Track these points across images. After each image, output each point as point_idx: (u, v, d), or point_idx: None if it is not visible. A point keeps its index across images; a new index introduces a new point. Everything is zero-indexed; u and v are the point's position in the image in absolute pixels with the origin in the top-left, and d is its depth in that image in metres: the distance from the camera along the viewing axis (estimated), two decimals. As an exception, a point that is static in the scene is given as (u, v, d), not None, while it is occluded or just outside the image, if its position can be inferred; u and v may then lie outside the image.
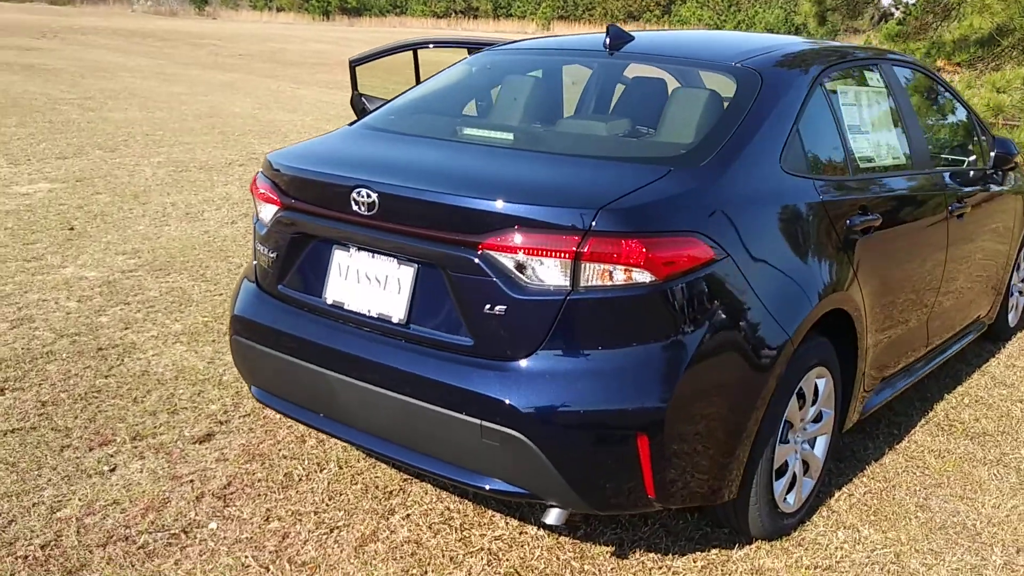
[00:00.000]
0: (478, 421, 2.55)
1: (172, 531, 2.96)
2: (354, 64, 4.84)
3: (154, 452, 3.45)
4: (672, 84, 3.49)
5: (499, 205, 2.54)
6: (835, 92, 3.46)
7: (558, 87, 3.64)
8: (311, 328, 2.91)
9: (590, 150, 3.04)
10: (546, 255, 2.48)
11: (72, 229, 6.63)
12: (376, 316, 2.77)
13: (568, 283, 2.49)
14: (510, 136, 3.14)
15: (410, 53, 4.74)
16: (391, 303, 2.74)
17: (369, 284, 2.80)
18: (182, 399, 3.90)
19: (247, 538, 2.95)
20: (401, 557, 2.89)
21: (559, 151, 3.01)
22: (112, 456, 3.40)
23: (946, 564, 3.03)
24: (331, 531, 3.01)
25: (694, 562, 2.96)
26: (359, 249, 2.82)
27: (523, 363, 2.53)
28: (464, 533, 3.04)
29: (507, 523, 3.12)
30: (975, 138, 4.55)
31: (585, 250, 2.46)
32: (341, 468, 3.40)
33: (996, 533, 3.24)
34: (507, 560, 2.91)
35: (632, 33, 3.61)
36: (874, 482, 3.56)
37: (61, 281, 5.40)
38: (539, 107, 3.51)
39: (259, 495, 3.20)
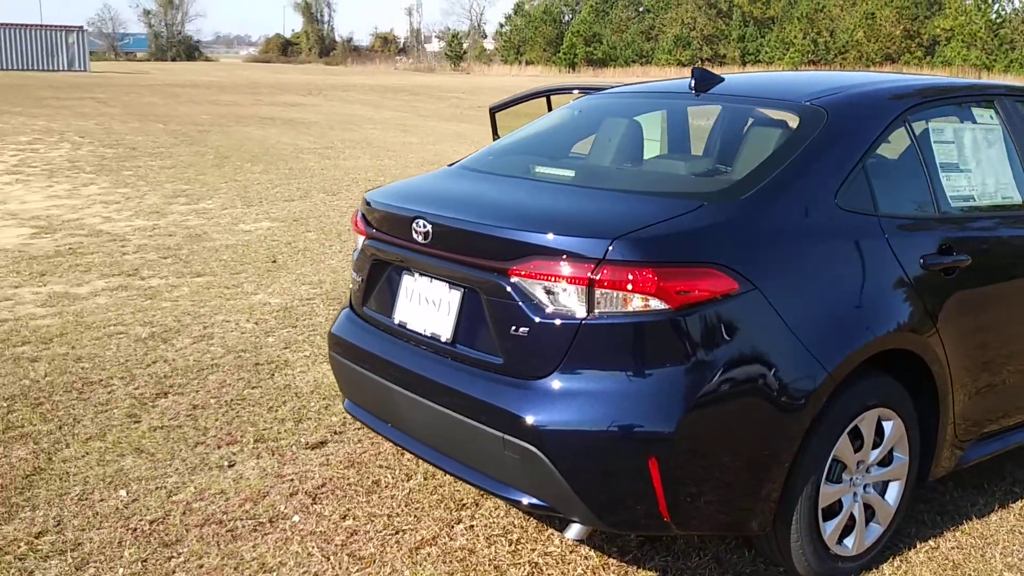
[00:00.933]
0: (501, 434, 2.73)
1: (260, 520, 3.33)
2: (494, 111, 5.17)
3: (270, 453, 3.87)
4: (745, 123, 3.54)
5: (525, 235, 2.74)
6: (926, 129, 3.38)
7: (637, 128, 3.77)
8: (383, 346, 3.22)
9: (640, 186, 3.17)
10: (564, 281, 2.65)
11: (275, 262, 7.40)
12: (430, 335, 3.04)
13: (584, 309, 2.64)
14: (572, 173, 3.33)
15: (544, 99, 5.00)
16: (441, 323, 2.99)
17: (426, 306, 3.06)
18: (311, 410, 4.32)
19: (320, 531, 3.27)
20: (450, 562, 3.11)
21: (610, 187, 3.17)
22: (235, 454, 3.85)
23: (1012, 625, 2.86)
24: (396, 533, 3.28)
25: (733, 594, 2.97)
26: (420, 274, 3.10)
27: (542, 382, 2.70)
28: (517, 547, 3.21)
29: (561, 541, 3.26)
30: None
31: (599, 277, 2.61)
32: (426, 480, 3.67)
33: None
34: (548, 574, 3.05)
35: (721, 75, 3.70)
36: (968, 538, 3.38)
37: (247, 306, 6.07)
38: (616, 147, 3.66)
39: (345, 496, 3.52)
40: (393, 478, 3.69)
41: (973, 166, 3.49)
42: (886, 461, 3.15)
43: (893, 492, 3.20)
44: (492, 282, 2.79)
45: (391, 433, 3.25)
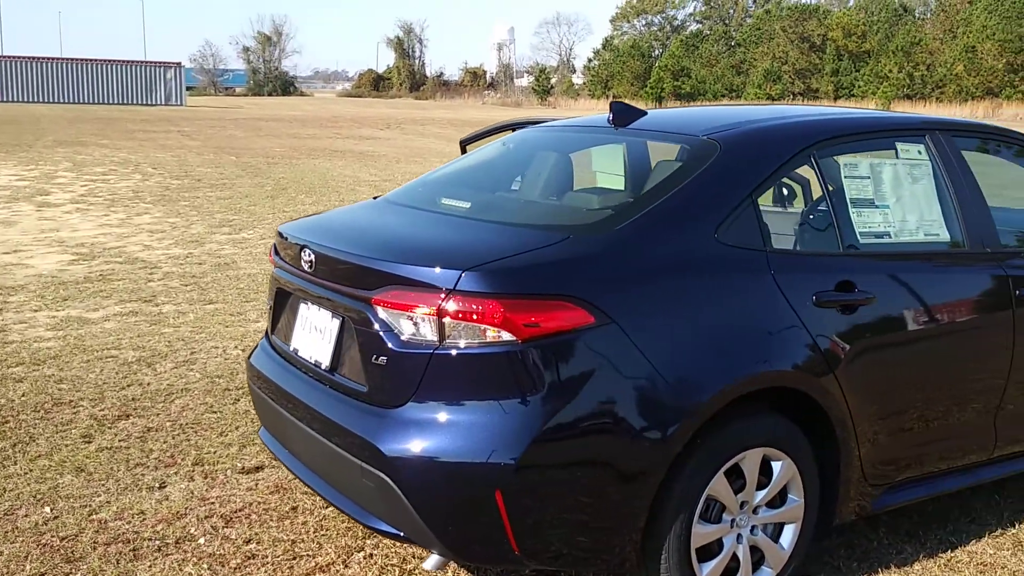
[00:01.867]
0: (360, 463, 2.77)
1: (167, 540, 3.42)
2: (464, 143, 5.22)
3: (203, 476, 3.96)
4: (654, 157, 3.51)
5: (386, 264, 2.78)
6: (837, 165, 3.31)
7: (547, 161, 3.77)
8: (282, 373, 3.28)
9: (523, 218, 3.18)
10: (417, 311, 2.68)
11: (288, 290, 7.56)
12: (314, 362, 3.09)
13: (436, 338, 2.66)
14: (467, 205, 3.36)
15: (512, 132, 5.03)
16: (323, 351, 3.05)
17: (313, 333, 3.12)
18: (259, 437, 4.41)
19: (219, 554, 3.33)
20: (334, 588, 3.14)
21: (496, 219, 3.18)
22: (168, 476, 3.95)
23: None
24: (293, 558, 3.32)
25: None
26: (311, 303, 3.16)
27: (398, 411, 2.72)
28: (407, 576, 3.22)
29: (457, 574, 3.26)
30: None
31: (448, 308, 2.63)
32: (342, 507, 3.70)
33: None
34: (426, 605, 3.05)
35: (643, 109, 3.69)
36: (879, 586, 3.26)
37: (242, 333, 6.23)
38: (535, 179, 3.67)
39: (259, 521, 3.58)
40: (312, 504, 3.74)
41: (892, 202, 3.40)
42: (776, 503, 3.07)
43: (788, 535, 3.11)
44: (359, 310, 2.84)
45: (287, 460, 3.30)
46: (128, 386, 5.07)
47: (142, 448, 4.24)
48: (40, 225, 10.77)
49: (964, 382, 3.45)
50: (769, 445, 2.97)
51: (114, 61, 51.35)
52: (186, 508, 3.67)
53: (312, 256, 3.06)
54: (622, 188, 3.59)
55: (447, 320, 2.64)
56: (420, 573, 3.25)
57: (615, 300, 2.71)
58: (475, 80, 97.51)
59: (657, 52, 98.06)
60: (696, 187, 3.00)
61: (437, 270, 2.68)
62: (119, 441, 4.31)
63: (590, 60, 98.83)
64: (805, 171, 3.25)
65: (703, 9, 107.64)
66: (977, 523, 3.76)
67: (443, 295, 2.64)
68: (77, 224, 10.93)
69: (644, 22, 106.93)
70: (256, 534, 3.49)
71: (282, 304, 3.40)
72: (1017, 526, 3.73)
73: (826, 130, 3.35)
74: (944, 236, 3.48)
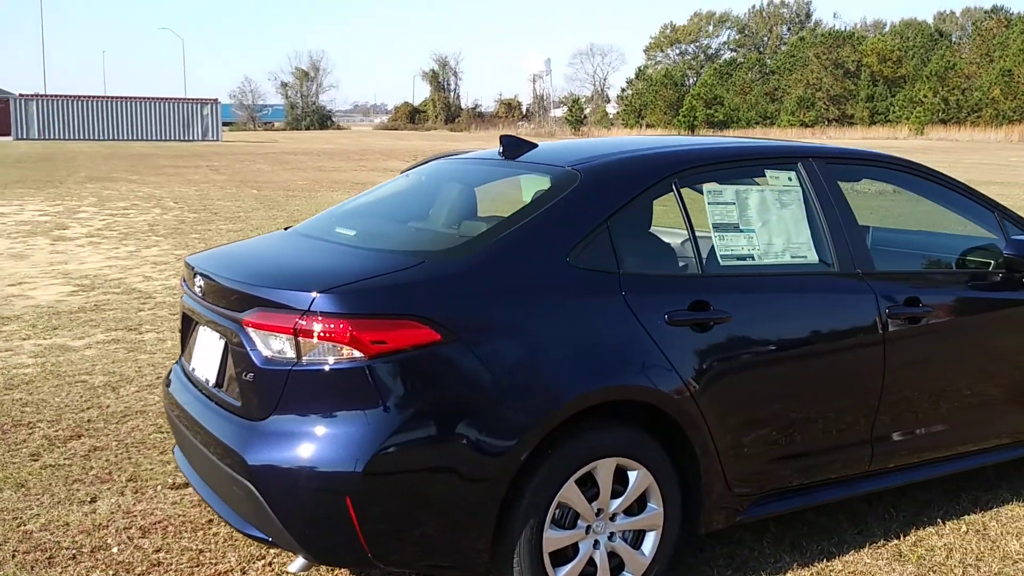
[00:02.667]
0: (231, 472, 3.00)
1: (82, 550, 3.67)
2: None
3: (133, 492, 4.22)
4: (529, 187, 3.72)
5: (254, 288, 3.03)
6: (700, 191, 3.51)
7: (451, 191, 3.99)
8: (185, 393, 3.53)
9: (395, 244, 3.41)
10: (276, 331, 2.91)
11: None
12: (204, 379, 3.34)
13: (294, 355, 2.89)
14: (353, 233, 3.60)
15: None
16: (211, 369, 3.30)
17: (205, 352, 3.37)
18: (197, 454, 4.66)
19: (127, 562, 3.57)
20: (225, 592, 3.36)
21: (371, 246, 3.41)
22: (101, 491, 4.21)
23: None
24: (196, 567, 3.55)
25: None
26: (204, 325, 3.41)
27: (262, 423, 2.96)
28: (297, 582, 3.43)
29: (341, 579, 3.47)
30: (959, 240, 4.24)
31: (303, 327, 2.86)
32: (254, 519, 3.93)
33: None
34: (306, 607, 3.26)
35: (534, 143, 3.92)
36: (746, 593, 3.41)
37: (211, 358, 6.50)
38: (413, 209, 3.90)
39: (174, 532, 3.82)
40: (227, 516, 3.96)
41: (758, 226, 3.58)
42: (635, 510, 3.24)
43: (650, 542, 3.28)
44: (233, 331, 3.08)
45: (188, 474, 3.54)
46: (87, 408, 5.36)
47: (84, 465, 4.50)
48: (50, 258, 11.20)
49: (832, 399, 3.61)
50: (622, 455, 3.16)
51: (152, 98, 52.74)
52: (109, 520, 3.92)
53: (202, 282, 3.32)
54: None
55: (302, 339, 2.87)
56: (312, 579, 3.46)
57: (462, 319, 2.92)
58: (510, 111, 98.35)
59: (691, 81, 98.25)
60: (551, 214, 3.22)
61: (294, 293, 2.92)
62: (64, 459, 4.58)
63: (623, 90, 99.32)
64: (664, 198, 3.44)
65: (737, 37, 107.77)
66: (863, 534, 3.90)
67: (299, 316, 2.87)
68: (86, 257, 11.35)
69: (678, 51, 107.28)
70: (167, 544, 3.73)
71: (187, 328, 3.66)
72: (902, 538, 3.86)
73: (689, 159, 3.56)
74: (812, 258, 3.65)
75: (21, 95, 51.57)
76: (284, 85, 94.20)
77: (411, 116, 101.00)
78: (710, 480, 3.34)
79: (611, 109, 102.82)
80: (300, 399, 2.90)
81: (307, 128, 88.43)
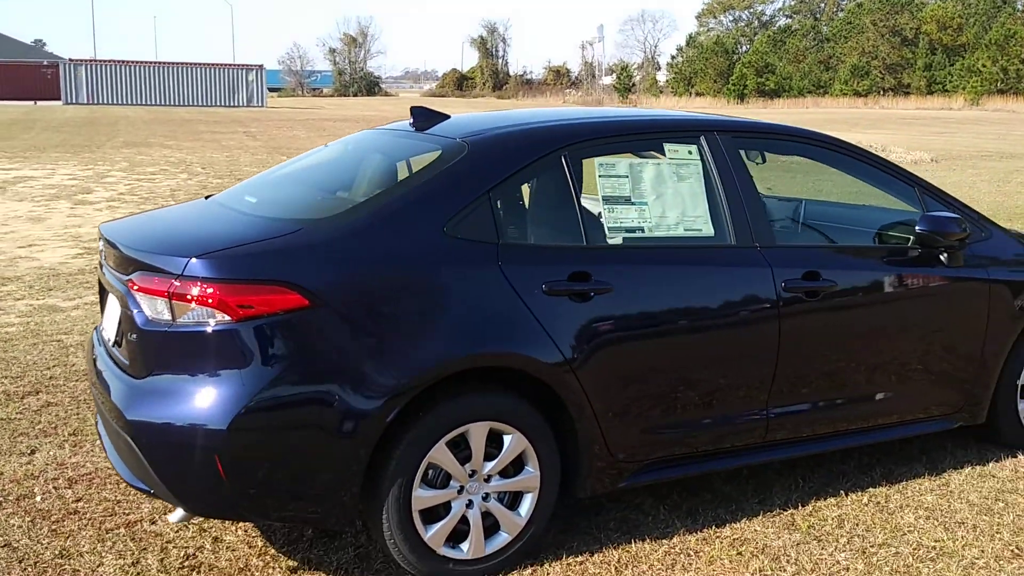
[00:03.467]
0: (116, 426, 3.17)
1: (8, 497, 3.88)
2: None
3: (72, 445, 4.43)
4: (406, 157, 3.79)
5: (138, 253, 3.18)
6: (591, 164, 3.57)
7: (350, 160, 4.08)
8: (96, 354, 3.70)
9: (283, 212, 3.52)
10: (154, 294, 3.06)
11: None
12: (107, 339, 3.51)
13: (169, 317, 3.04)
14: (255, 201, 3.72)
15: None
16: (112, 330, 3.46)
17: (110, 315, 3.54)
18: (143, 411, 4.86)
19: (47, 510, 3.77)
20: (137, 539, 3.54)
21: (263, 213, 3.52)
22: (42, 444, 4.43)
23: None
24: (109, 515, 3.74)
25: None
26: (109, 289, 3.57)
27: (142, 382, 3.12)
28: (200, 534, 3.61)
29: (313, 547, 3.63)
30: (892, 214, 4.24)
31: (176, 291, 3.00)
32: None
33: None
34: (204, 560, 3.44)
35: (448, 114, 4.00)
36: (624, 554, 3.50)
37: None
38: (320, 179, 4.00)
39: (100, 484, 4.02)
40: (153, 470, 4.15)
41: (651, 200, 3.64)
42: (511, 473, 3.35)
43: (527, 504, 3.39)
44: (123, 294, 3.24)
45: (101, 431, 3.72)
46: (53, 366, 5.60)
47: (33, 420, 4.73)
48: (66, 222, 11.53)
49: (721, 370, 3.66)
50: (496, 420, 3.26)
51: (197, 64, 53.39)
52: (41, 471, 4.13)
53: (105, 247, 3.47)
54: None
55: (176, 302, 3.01)
56: (220, 529, 3.63)
57: (331, 285, 3.04)
58: (558, 78, 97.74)
59: (743, 48, 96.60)
60: (432, 185, 3.32)
61: (171, 258, 3.07)
62: (16, 413, 4.81)
63: (673, 57, 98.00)
64: (553, 171, 3.50)
65: (792, 3, 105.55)
66: (764, 503, 3.97)
67: (174, 279, 3.01)
68: (100, 219, 11.66)
69: (731, 17, 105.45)
70: (89, 495, 3.92)
71: (102, 293, 3.83)
72: (800, 507, 3.92)
73: (580, 133, 3.62)
74: (707, 231, 3.70)
75: (71, 60, 52.50)
76: (332, 51, 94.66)
77: (459, 83, 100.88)
78: (589, 447, 3.44)
79: (661, 77, 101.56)
80: (174, 359, 3.05)
81: (355, 94, 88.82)
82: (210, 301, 2.97)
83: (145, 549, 3.49)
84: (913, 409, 4.21)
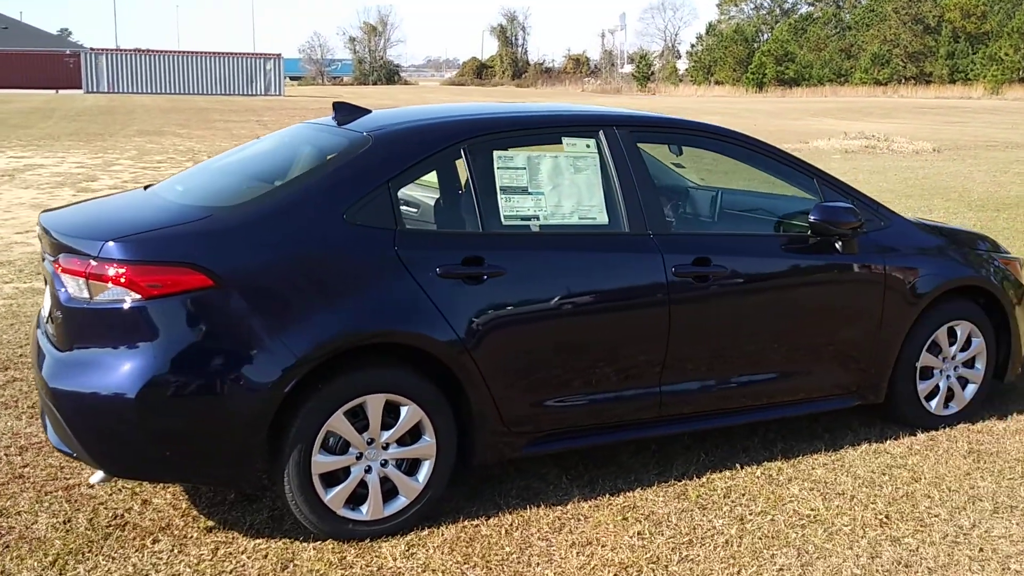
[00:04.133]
0: (44, 396, 3.49)
1: (-38, 462, 4.22)
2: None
3: (29, 417, 4.75)
4: (320, 147, 4.04)
5: (64, 237, 3.49)
6: (490, 157, 3.83)
7: (279, 152, 4.36)
8: (37, 332, 4.02)
9: (200, 200, 3.80)
10: (74, 274, 3.37)
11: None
12: (43, 317, 3.83)
13: (87, 296, 3.35)
14: (181, 189, 4.01)
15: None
16: (46, 309, 3.77)
17: (47, 297, 3.85)
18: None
19: (-6, 473, 4.11)
20: (72, 501, 3.87)
21: (184, 201, 3.80)
22: (1, 415, 4.76)
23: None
24: (53, 479, 4.07)
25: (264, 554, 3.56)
26: (45, 273, 3.88)
27: (65, 355, 3.43)
28: (114, 493, 3.93)
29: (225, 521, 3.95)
30: (802, 203, 4.47)
31: (92, 271, 3.31)
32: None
33: None
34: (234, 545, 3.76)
35: (369, 109, 4.28)
36: (513, 518, 3.78)
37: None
38: (246, 169, 4.29)
39: (47, 452, 4.33)
40: (99, 440, 4.47)
41: (548, 190, 3.91)
42: (408, 441, 3.64)
43: (424, 470, 3.68)
44: (50, 275, 3.55)
45: (41, 402, 4.04)
46: (25, 345, 5.94)
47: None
48: (66, 208, 11.91)
49: (613, 350, 3.93)
50: (392, 392, 3.55)
51: (216, 53, 53.95)
52: (-8, 437, 4.47)
53: (41, 233, 3.79)
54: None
55: (92, 281, 3.32)
56: (141, 487, 3.95)
57: (235, 267, 3.35)
58: (577, 67, 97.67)
59: (764, 36, 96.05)
60: (334, 175, 3.62)
61: (89, 241, 3.38)
62: (-18, 386, 5.16)
63: (692, 46, 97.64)
64: (453, 163, 3.79)
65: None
66: (662, 475, 4.23)
67: (91, 261, 3.32)
68: (100, 208, 12.03)
69: (752, 5, 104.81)
70: (36, 461, 4.25)
71: (47, 278, 4.14)
72: (695, 479, 4.19)
73: (480, 128, 3.89)
74: (601, 220, 3.97)
75: (92, 49, 53.18)
76: (352, 40, 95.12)
77: (478, 72, 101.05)
78: (484, 419, 3.72)
79: (681, 65, 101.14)
80: (93, 334, 3.36)
81: (374, 83, 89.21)
82: (122, 281, 3.27)
83: (78, 509, 3.81)
84: (810, 388, 4.46)
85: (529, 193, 3.88)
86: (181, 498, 3.94)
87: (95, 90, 51.43)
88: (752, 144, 4.43)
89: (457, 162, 3.79)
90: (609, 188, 4.00)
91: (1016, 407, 5.14)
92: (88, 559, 3.44)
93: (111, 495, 3.94)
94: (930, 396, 4.79)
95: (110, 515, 3.78)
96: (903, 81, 79.94)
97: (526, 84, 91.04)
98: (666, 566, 3.46)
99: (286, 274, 3.42)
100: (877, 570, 3.46)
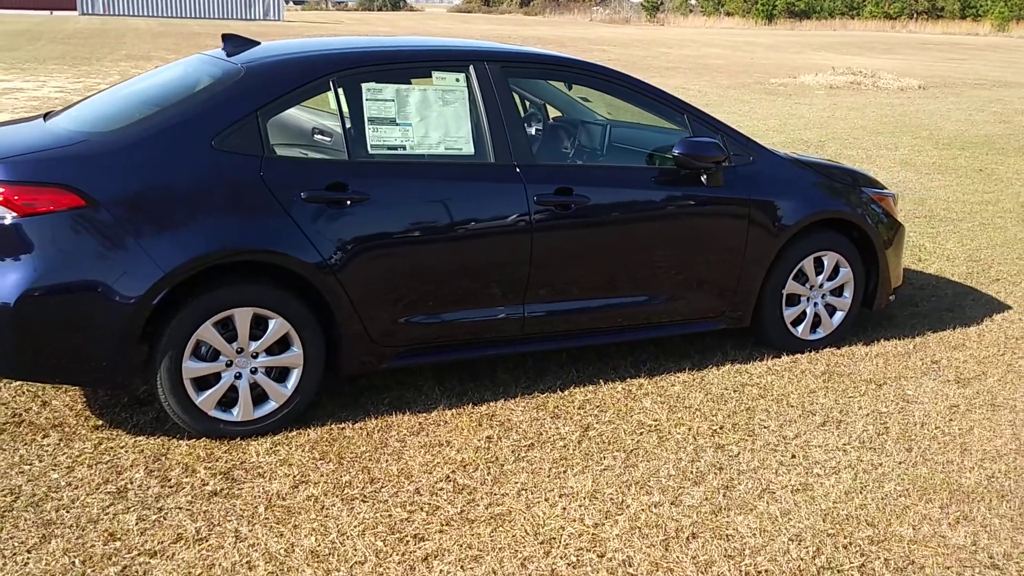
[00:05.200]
0: None
1: None
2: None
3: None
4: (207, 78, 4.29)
5: (-40, 160, 3.80)
6: (359, 89, 4.10)
7: (174, 81, 4.60)
8: None
9: (78, 126, 4.06)
10: (-40, 195, 3.68)
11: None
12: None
13: (-25, 214, 3.66)
14: (73, 115, 4.29)
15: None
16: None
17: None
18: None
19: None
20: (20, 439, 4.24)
21: (64, 127, 4.06)
22: None
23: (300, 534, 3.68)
24: (15, 420, 4.43)
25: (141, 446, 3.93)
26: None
27: (-37, 266, 3.75)
28: (60, 407, 4.29)
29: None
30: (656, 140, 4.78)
31: (-26, 192, 3.62)
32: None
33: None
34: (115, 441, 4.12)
35: (257, 41, 4.53)
36: (373, 424, 4.13)
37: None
38: (140, 97, 4.54)
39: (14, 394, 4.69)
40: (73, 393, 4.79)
41: (415, 121, 4.18)
42: (276, 351, 3.98)
43: (293, 378, 4.03)
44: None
45: None
46: None
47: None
48: (37, 132, 12.15)
49: (475, 271, 4.25)
50: (259, 306, 3.88)
51: (214, -25, 53.40)
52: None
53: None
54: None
55: (-26, 201, 3.63)
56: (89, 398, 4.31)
57: (106, 188, 3.65)
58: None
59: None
60: (205, 104, 3.90)
61: (-29, 163, 3.68)
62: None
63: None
64: (323, 94, 4.06)
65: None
66: (528, 389, 4.55)
67: (-27, 182, 3.63)
68: (71, 132, 12.27)
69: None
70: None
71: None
72: (559, 392, 4.52)
73: (349, 61, 4.15)
74: (468, 151, 4.25)
75: (87, -30, 52.65)
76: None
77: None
78: (350, 333, 4.05)
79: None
80: (-21, 248, 3.68)
81: (379, 9, 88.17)
82: (1, 199, 3.58)
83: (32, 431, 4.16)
84: (677, 312, 4.78)
85: (397, 124, 4.15)
86: (78, 400, 4.30)
87: (90, 11, 51.06)
88: (623, 80, 4.67)
89: (328, 94, 4.06)
90: (477, 121, 4.27)
91: (883, 333, 5.47)
92: (-20, 450, 3.81)
93: (14, 397, 4.30)
94: (796, 322, 5.11)
95: (9, 413, 4.14)
96: (915, 16, 78.68)
97: (534, 12, 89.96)
98: (502, 465, 3.82)
99: (155, 196, 3.72)
100: (693, 471, 3.82)
